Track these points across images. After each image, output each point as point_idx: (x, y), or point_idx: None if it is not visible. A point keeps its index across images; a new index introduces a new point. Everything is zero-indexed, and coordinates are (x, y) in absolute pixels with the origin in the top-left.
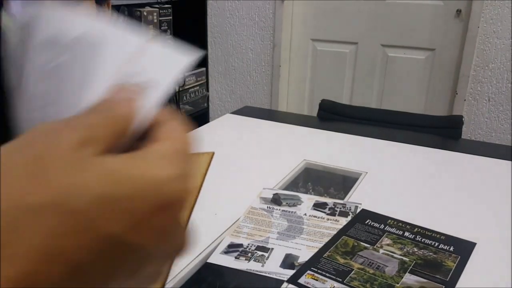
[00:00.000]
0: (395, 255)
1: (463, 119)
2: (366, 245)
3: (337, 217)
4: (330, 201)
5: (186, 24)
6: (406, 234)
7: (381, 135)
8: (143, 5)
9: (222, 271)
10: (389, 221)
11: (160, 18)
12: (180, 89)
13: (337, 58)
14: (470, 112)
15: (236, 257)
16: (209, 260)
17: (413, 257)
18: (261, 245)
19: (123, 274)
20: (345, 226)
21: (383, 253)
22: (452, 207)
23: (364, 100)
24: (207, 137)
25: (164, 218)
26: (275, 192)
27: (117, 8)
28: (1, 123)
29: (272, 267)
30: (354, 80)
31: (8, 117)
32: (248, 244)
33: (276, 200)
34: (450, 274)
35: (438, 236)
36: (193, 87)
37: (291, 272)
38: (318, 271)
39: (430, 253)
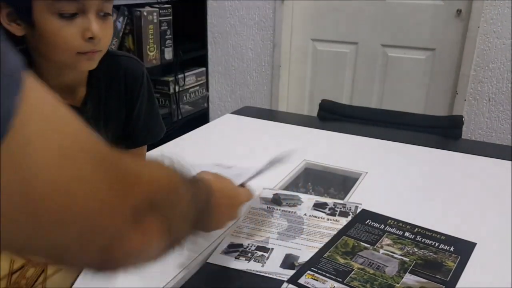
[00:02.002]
0: (395, 255)
1: (463, 119)
2: (366, 245)
3: (337, 217)
4: (330, 201)
5: (186, 24)
6: (406, 234)
7: (381, 135)
8: (143, 5)
9: (222, 271)
10: (389, 221)
11: (160, 18)
12: (180, 89)
13: (337, 58)
14: (470, 112)
15: (236, 257)
16: (209, 260)
17: (413, 257)
18: (261, 245)
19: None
20: (345, 226)
21: (383, 253)
22: (452, 207)
23: (364, 100)
24: (207, 137)
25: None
26: (275, 192)
27: (117, 8)
28: None
29: (272, 267)
30: (354, 80)
31: None
32: (248, 244)
33: (276, 200)
34: (450, 274)
35: (438, 236)
36: (193, 87)
37: (291, 272)
38: (318, 271)
39: (430, 253)
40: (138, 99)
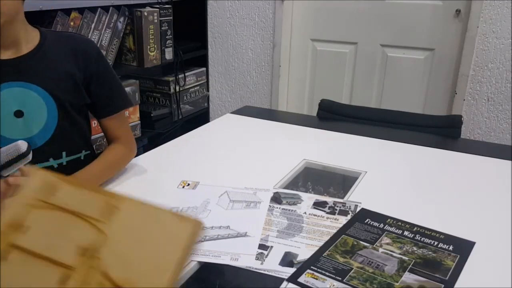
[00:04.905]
0: (394, 254)
1: (462, 118)
2: (365, 244)
3: (336, 216)
4: (330, 200)
5: (186, 24)
6: (406, 233)
7: (380, 134)
8: (143, 5)
9: (222, 269)
10: (389, 220)
11: (161, 19)
12: (181, 89)
13: (337, 58)
14: (469, 112)
15: None
16: None
17: (412, 256)
18: (260, 243)
19: None
20: (344, 225)
21: (382, 252)
22: (451, 206)
23: (364, 100)
24: (207, 136)
25: None
26: (275, 191)
27: (118, 8)
28: None
29: (271, 265)
30: (354, 80)
31: None
32: None
33: (276, 198)
34: (449, 273)
35: (437, 235)
36: (193, 87)
37: (290, 270)
38: (318, 270)
39: (430, 252)
40: (95, 69)
